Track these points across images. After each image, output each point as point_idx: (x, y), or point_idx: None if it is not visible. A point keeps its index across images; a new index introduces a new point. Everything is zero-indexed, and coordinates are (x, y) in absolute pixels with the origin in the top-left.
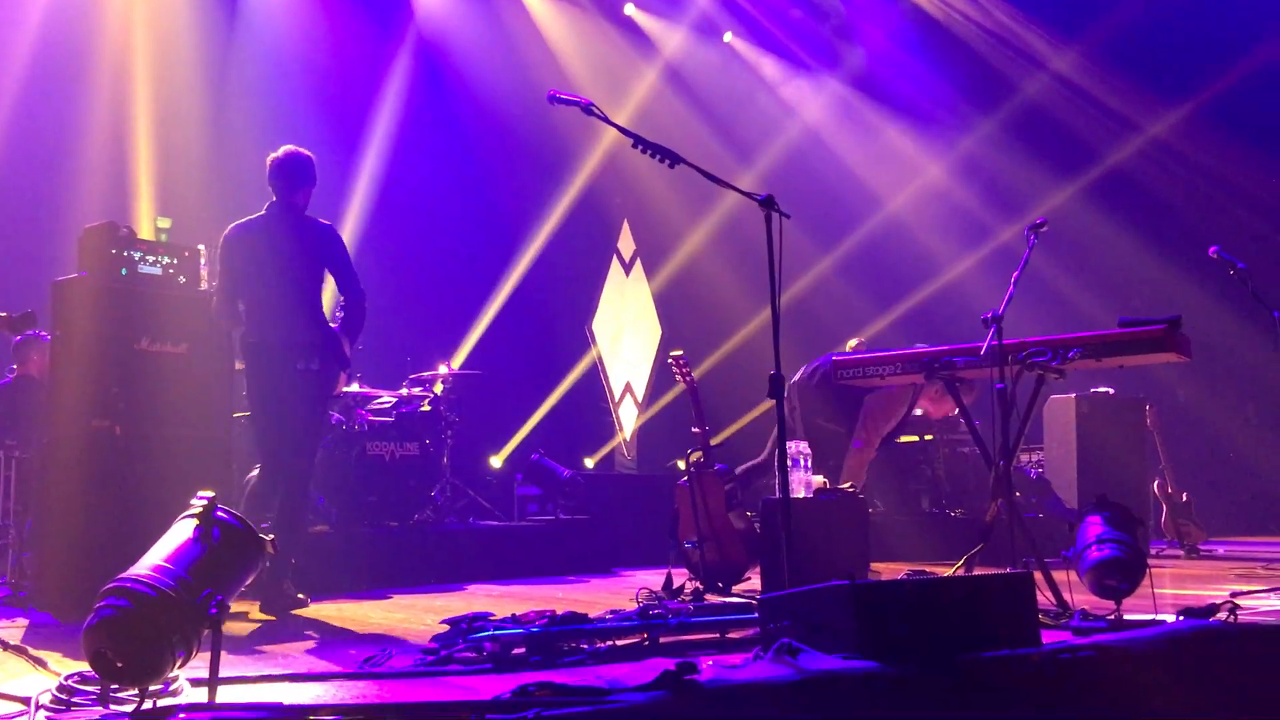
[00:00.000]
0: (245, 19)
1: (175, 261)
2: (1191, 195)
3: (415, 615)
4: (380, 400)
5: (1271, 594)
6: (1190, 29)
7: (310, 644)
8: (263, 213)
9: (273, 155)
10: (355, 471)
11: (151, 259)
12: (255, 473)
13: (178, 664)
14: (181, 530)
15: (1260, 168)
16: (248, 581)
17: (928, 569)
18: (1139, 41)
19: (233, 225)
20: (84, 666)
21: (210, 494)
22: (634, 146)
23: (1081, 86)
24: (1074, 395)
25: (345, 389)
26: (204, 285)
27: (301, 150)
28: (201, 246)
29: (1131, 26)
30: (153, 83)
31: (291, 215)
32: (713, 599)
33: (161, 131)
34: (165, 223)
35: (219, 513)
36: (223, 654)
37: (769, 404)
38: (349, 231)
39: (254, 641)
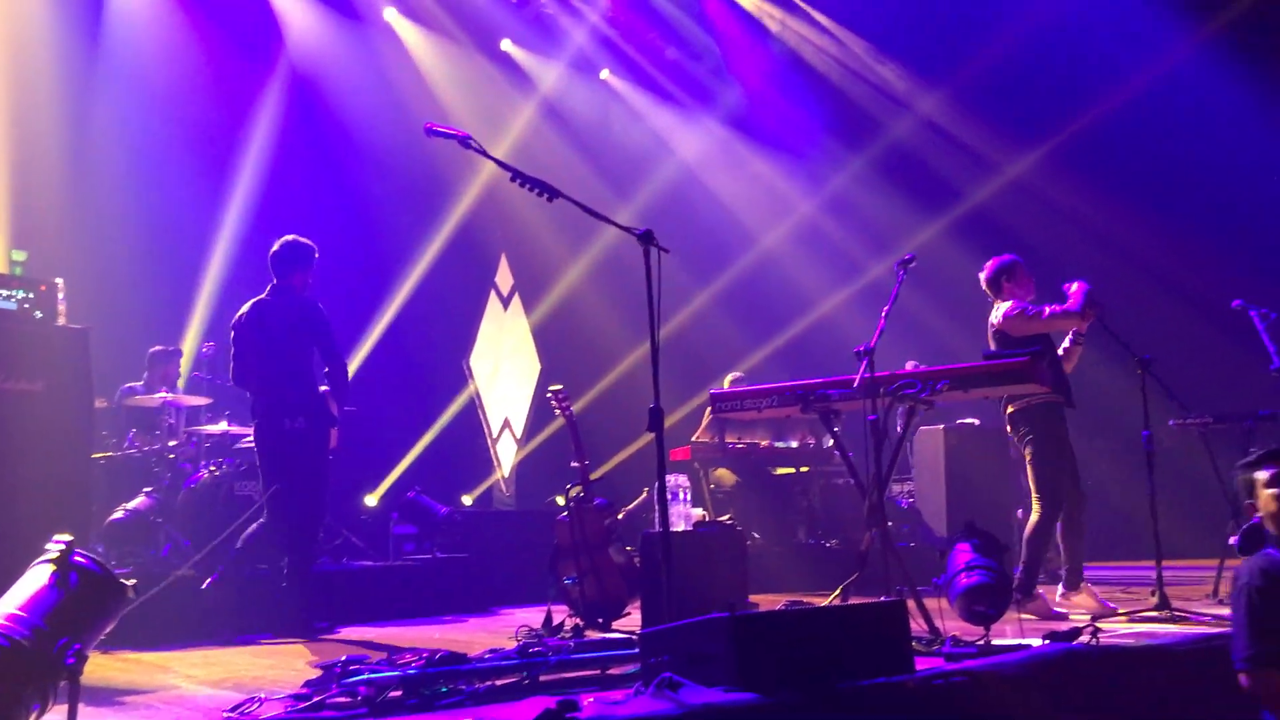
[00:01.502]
0: (109, 45)
1: (31, 296)
2: (1048, 234)
3: (286, 661)
4: (249, 439)
5: (1130, 617)
6: (1046, 74)
7: (174, 693)
8: (265, 295)
9: (273, 246)
10: (223, 513)
11: (6, 293)
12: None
13: (33, 717)
14: (37, 576)
15: (1110, 207)
16: (108, 629)
17: (805, 599)
18: (998, 86)
19: (244, 307)
20: None
21: (68, 538)
22: (512, 180)
23: (945, 128)
24: (942, 426)
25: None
26: (61, 320)
27: (300, 240)
28: (59, 280)
29: (991, 72)
30: (8, 110)
31: (286, 295)
32: (593, 635)
33: (17, 160)
34: (20, 255)
35: (77, 557)
36: (81, 705)
37: (649, 437)
38: (216, 264)
39: (115, 693)
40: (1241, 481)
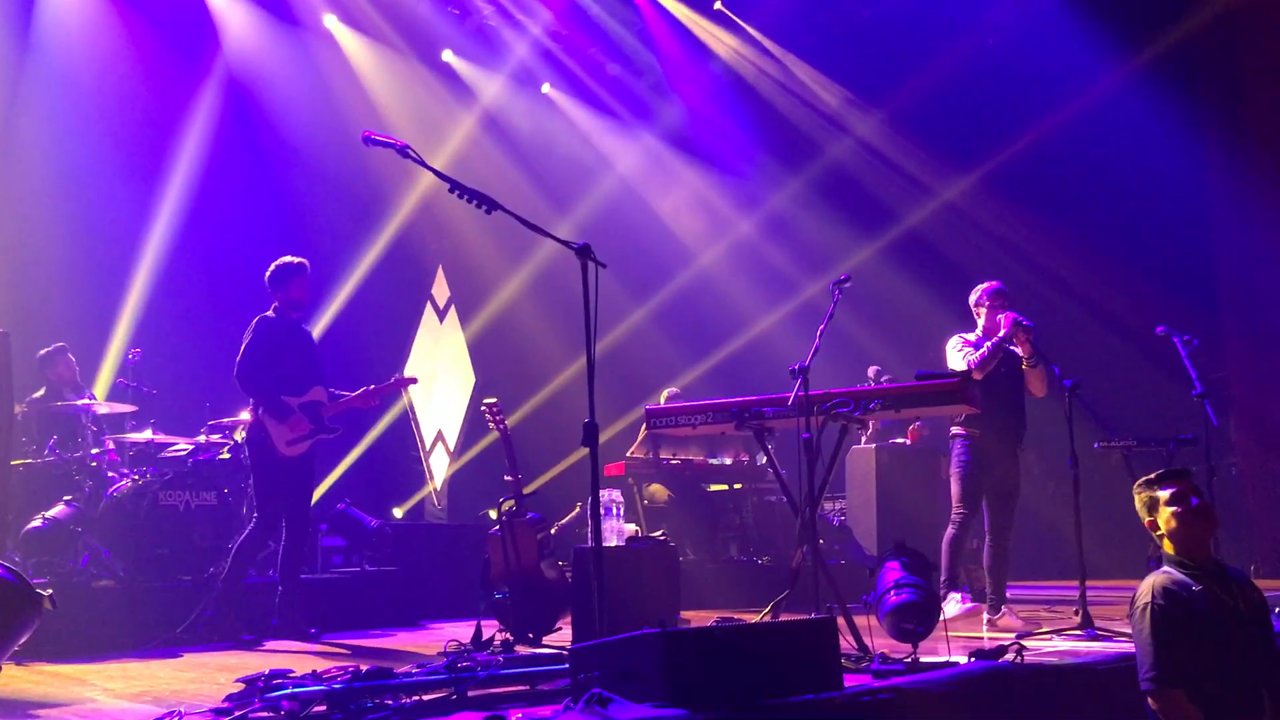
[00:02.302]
0: (38, 44)
1: None
2: (980, 257)
3: (208, 675)
4: (175, 448)
5: (1054, 635)
6: (979, 102)
7: (90, 706)
8: (268, 313)
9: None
10: (146, 522)
11: None
12: None
13: None
14: None
15: (1039, 233)
16: (23, 639)
17: (736, 615)
18: (933, 112)
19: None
20: None
21: None
22: (450, 191)
23: (881, 151)
24: (874, 446)
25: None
26: None
27: (284, 261)
28: None
29: (927, 97)
30: None
31: (279, 314)
32: (523, 650)
33: None
34: None
35: None
36: None
37: (583, 452)
38: (145, 269)
39: (29, 705)
40: (1144, 500)
